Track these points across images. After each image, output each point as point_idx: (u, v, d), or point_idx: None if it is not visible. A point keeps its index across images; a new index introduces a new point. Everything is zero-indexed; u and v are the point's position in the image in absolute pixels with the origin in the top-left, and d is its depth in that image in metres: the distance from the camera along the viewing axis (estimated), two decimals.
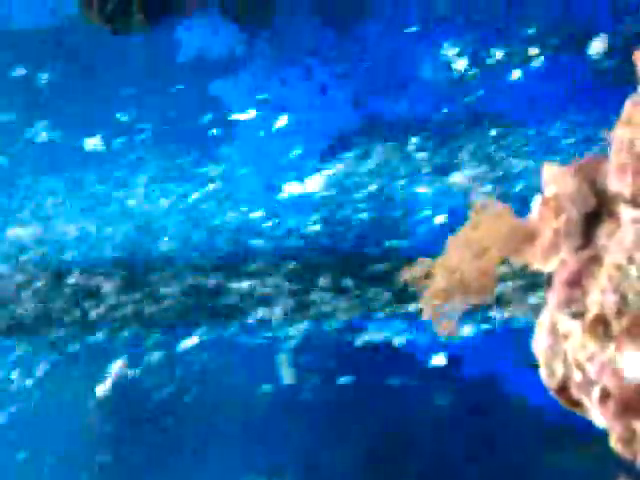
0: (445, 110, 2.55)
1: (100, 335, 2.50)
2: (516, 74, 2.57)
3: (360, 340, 2.41)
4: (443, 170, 2.51)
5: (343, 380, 2.36)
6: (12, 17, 2.74)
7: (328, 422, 2.33)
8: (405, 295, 2.01)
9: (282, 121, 2.57)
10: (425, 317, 1.46)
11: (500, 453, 2.21)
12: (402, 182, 2.53)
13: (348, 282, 2.46)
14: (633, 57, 1.35)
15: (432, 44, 2.56)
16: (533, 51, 2.56)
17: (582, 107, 2.45)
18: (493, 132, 2.61)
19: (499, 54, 2.56)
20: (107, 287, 2.52)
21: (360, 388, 2.33)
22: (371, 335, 2.38)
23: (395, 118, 2.53)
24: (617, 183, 1.28)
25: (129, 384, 2.47)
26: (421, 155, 2.53)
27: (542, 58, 2.54)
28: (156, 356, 2.51)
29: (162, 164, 2.59)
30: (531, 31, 2.54)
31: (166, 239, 2.56)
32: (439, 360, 2.31)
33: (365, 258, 2.45)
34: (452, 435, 2.24)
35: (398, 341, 2.33)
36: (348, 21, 2.56)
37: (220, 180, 2.62)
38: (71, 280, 2.54)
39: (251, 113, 2.59)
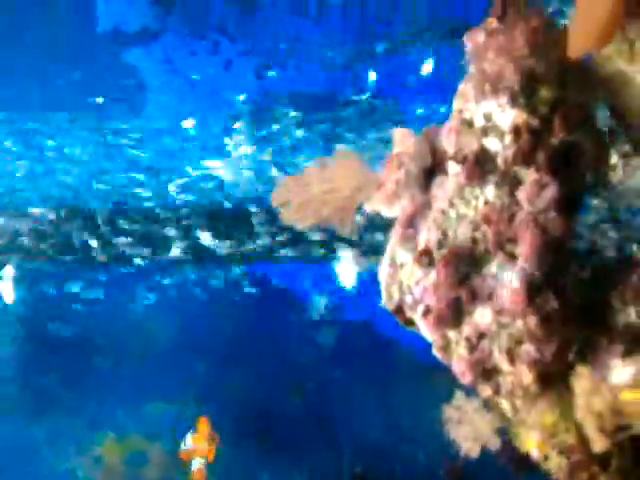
0: (340, 89, 2.80)
1: None
2: (409, 62, 2.82)
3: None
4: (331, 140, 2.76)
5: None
6: None
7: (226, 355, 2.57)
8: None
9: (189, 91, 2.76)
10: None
11: (374, 384, 2.50)
12: (294, 153, 2.75)
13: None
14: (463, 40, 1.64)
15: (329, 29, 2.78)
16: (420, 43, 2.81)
17: None
18: (384, 115, 2.87)
19: (387, 43, 2.80)
20: None
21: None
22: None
23: (293, 93, 2.75)
24: (446, 142, 1.57)
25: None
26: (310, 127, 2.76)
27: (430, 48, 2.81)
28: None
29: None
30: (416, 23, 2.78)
31: None
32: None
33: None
34: (333, 370, 2.53)
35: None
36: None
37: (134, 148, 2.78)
38: None
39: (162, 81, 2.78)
